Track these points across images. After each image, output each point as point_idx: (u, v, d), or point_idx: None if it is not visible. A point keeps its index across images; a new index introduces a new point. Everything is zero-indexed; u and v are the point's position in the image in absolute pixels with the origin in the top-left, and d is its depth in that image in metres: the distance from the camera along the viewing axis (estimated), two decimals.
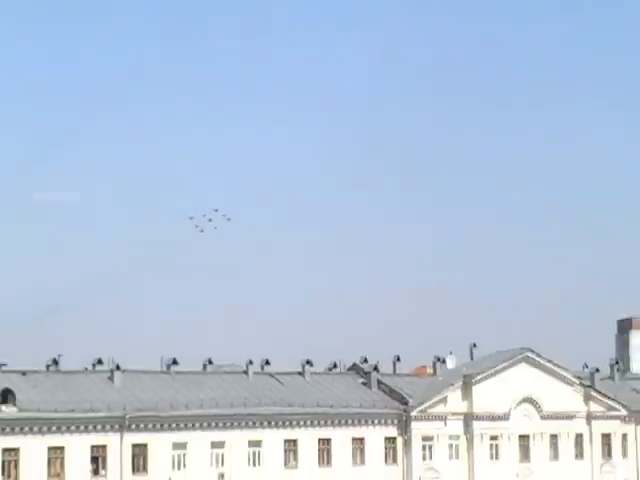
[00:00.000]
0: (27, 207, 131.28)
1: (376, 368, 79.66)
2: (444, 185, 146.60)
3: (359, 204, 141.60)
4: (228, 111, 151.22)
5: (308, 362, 78.08)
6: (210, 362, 75.50)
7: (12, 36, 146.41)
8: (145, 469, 66.60)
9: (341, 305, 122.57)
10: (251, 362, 76.05)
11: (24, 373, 67.67)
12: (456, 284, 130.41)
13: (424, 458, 76.45)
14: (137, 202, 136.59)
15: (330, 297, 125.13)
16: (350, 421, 74.11)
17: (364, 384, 78.91)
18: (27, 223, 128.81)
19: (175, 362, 73.06)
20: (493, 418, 78.75)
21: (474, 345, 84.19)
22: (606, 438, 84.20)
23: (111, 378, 69.75)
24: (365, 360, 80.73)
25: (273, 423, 71.15)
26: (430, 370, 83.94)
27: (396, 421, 75.87)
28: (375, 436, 75.10)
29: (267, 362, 76.90)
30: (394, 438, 75.86)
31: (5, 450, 62.31)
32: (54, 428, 63.72)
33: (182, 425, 67.96)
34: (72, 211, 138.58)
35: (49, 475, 63.78)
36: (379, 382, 78.77)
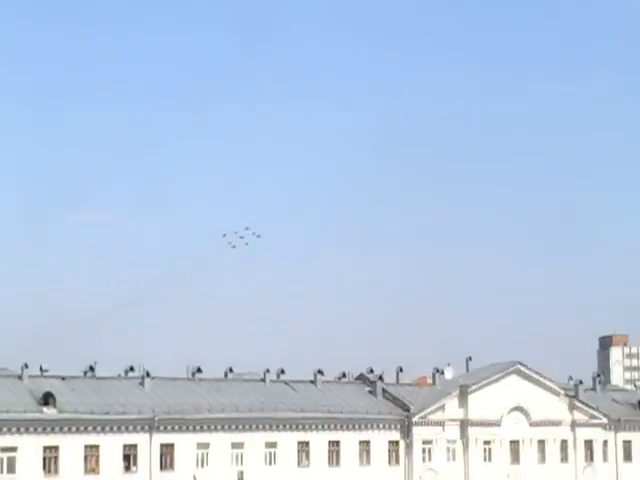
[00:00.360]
0: (65, 227, 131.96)
1: (381, 378, 79.26)
2: (442, 212, 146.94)
3: (371, 230, 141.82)
4: (256, 139, 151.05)
5: (320, 372, 77.79)
6: (231, 370, 75.32)
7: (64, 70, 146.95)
8: (172, 466, 66.39)
9: (350, 322, 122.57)
10: (268, 371, 75.86)
11: (64, 378, 67.61)
12: (454, 304, 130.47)
13: (424, 460, 76.02)
14: (169, 222, 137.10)
15: (340, 315, 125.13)
16: (357, 425, 73.74)
17: (370, 392, 78.52)
18: (66, 242, 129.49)
19: (199, 370, 72.89)
20: (487, 424, 78.31)
21: (470, 358, 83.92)
22: (588, 444, 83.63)
23: (142, 384, 69.63)
24: (371, 371, 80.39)
25: (288, 426, 70.84)
26: (430, 380, 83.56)
27: (399, 426, 75.48)
28: (380, 439, 74.71)
29: (282, 371, 76.64)
30: (397, 441, 75.44)
31: (46, 448, 62.31)
32: (90, 428, 63.65)
33: (205, 427, 67.75)
34: (108, 231, 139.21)
35: (85, 471, 63.65)
36: (384, 391, 78.38)
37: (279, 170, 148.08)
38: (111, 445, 64.23)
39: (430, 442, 76.36)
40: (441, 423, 76.94)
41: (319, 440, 72.08)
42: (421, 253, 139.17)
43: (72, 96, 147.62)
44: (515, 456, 79.94)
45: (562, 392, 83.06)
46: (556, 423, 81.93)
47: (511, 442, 79.74)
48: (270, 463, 70.16)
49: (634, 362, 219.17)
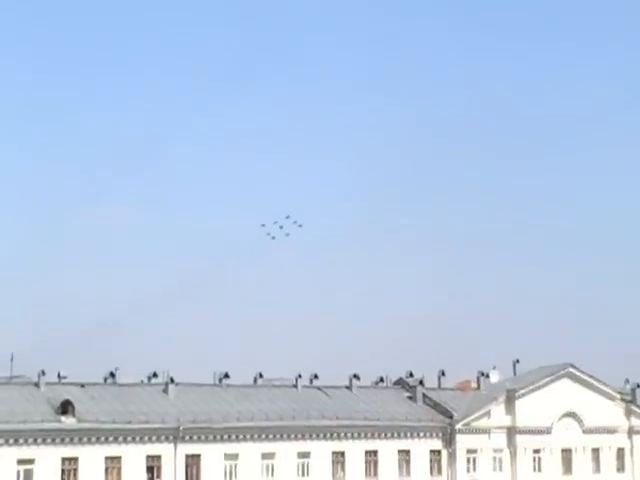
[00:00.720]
0: (80, 225, 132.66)
1: (421, 382, 79.42)
2: (484, 208, 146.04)
3: (412, 226, 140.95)
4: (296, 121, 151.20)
5: (355, 376, 77.94)
6: (260, 376, 75.60)
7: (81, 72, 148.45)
8: (198, 479, 66.72)
9: (388, 322, 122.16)
10: (300, 376, 76.05)
11: (83, 385, 68.13)
12: (499, 302, 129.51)
13: (468, 470, 76.05)
14: (195, 216, 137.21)
15: (377, 314, 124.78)
16: (396, 434, 73.89)
17: (410, 398, 78.70)
18: (82, 241, 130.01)
19: (227, 376, 73.19)
20: (536, 432, 78.24)
21: (517, 361, 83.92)
22: None
23: (166, 391, 70.02)
24: (411, 374, 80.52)
25: (321, 435, 71.11)
26: (474, 385, 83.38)
27: (441, 434, 75.57)
28: (420, 448, 74.84)
29: (315, 376, 76.79)
30: (439, 451, 75.54)
31: (65, 459, 62.73)
32: (111, 438, 64.12)
33: (234, 436, 68.13)
34: (128, 228, 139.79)
35: None
36: (424, 396, 78.55)
37: (311, 160, 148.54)
38: (133, 456, 64.68)
39: (475, 451, 76.37)
40: (487, 431, 76.95)
41: (355, 450, 72.30)
42: (464, 250, 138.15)
43: (86, 88, 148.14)
44: (567, 466, 79.79)
45: (618, 396, 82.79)
46: (611, 430, 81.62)
47: (563, 451, 79.62)
48: (303, 474, 70.44)
49: None
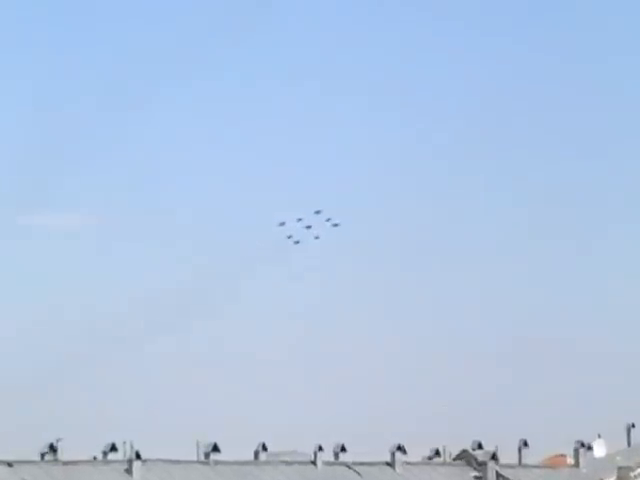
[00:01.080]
0: (15, 234, 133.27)
1: (494, 457, 79.45)
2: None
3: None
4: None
5: (400, 448, 77.93)
6: (264, 448, 75.31)
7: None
8: None
9: (445, 371, 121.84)
10: (321, 448, 75.97)
11: (10, 464, 67.78)
12: (603, 340, 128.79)
13: None
14: (171, 222, 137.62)
15: (430, 359, 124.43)
16: None
17: (478, 478, 78.55)
18: (17, 256, 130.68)
19: (216, 448, 73.01)
20: None
21: (632, 425, 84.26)
22: None
23: (129, 471, 69.64)
24: (479, 446, 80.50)
25: None
26: (570, 460, 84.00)
27: None
28: None
29: (343, 448, 76.70)
30: None
31: None
32: None
33: None
34: (78, 239, 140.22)
35: None
36: (499, 475, 78.67)
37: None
38: None
39: None
40: None
41: None
42: (550, 261, 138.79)
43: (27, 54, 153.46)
44: None
45: None
46: None
47: None
48: None
49: None
